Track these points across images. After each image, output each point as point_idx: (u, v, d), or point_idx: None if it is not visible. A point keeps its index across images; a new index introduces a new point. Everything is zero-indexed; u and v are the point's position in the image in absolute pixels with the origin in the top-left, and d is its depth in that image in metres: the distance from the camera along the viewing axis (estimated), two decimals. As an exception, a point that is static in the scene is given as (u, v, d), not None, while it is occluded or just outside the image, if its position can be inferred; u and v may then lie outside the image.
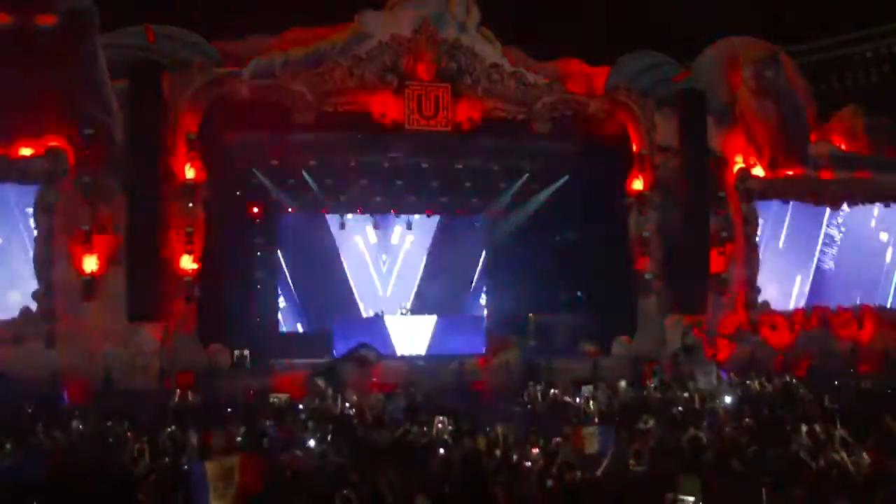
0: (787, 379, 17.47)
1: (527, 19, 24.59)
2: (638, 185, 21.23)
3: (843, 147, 23.67)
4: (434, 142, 21.00)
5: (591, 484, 8.94)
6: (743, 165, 21.99)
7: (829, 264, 23.73)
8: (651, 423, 11.90)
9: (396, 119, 20.08)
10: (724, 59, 22.64)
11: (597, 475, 9.21)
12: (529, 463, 9.73)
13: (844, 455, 9.63)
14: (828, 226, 23.67)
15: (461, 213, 27.35)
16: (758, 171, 22.03)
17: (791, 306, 22.73)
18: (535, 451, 10.06)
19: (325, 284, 26.33)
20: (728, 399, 14.85)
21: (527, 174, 24.45)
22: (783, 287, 22.61)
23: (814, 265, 23.49)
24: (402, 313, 25.21)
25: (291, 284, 26.32)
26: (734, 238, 21.73)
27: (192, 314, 18.90)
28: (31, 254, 18.12)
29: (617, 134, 21.48)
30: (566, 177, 24.32)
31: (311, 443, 10.58)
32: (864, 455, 9.57)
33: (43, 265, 17.76)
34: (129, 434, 11.58)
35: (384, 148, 21.96)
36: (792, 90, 22.82)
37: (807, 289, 23.39)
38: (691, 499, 7.91)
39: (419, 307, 25.90)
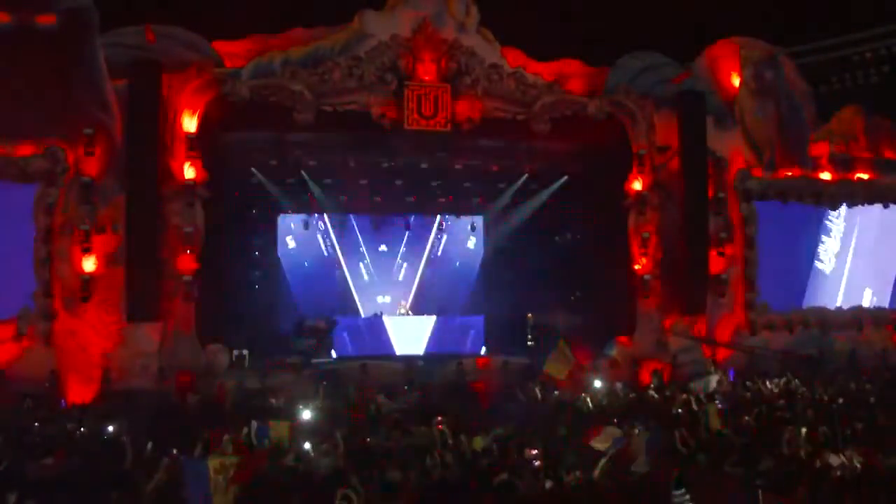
0: (786, 379, 17.51)
1: (526, 19, 24.56)
2: (637, 185, 21.22)
3: (842, 148, 23.64)
4: (433, 142, 21.00)
5: (591, 485, 8.95)
6: (742, 166, 21.99)
7: (829, 265, 23.72)
8: (650, 424, 11.91)
9: (396, 119, 20.05)
10: (723, 59, 22.64)
11: (596, 476, 9.22)
12: (530, 463, 9.74)
13: (843, 455, 9.65)
14: (827, 226, 23.67)
15: (461, 213, 27.38)
16: (757, 172, 22.03)
17: (790, 307, 22.70)
18: (534, 451, 10.06)
19: (325, 284, 26.36)
20: (726, 400, 14.88)
21: (526, 174, 24.47)
22: (782, 288, 22.60)
23: (813, 265, 23.49)
24: (401, 313, 25.23)
25: (290, 284, 26.33)
26: (733, 239, 21.74)
27: (191, 314, 18.88)
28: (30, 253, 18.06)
29: (616, 134, 21.46)
30: (565, 177, 24.34)
31: (307, 446, 10.58)
32: (863, 455, 9.59)
33: (42, 265, 17.75)
34: (128, 434, 11.58)
35: (383, 148, 21.95)
36: (791, 91, 22.81)
37: (806, 289, 23.40)
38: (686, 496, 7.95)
39: (418, 307, 25.92)
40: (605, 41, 23.00)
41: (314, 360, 21.01)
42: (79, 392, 17.33)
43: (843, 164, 23.18)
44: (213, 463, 8.86)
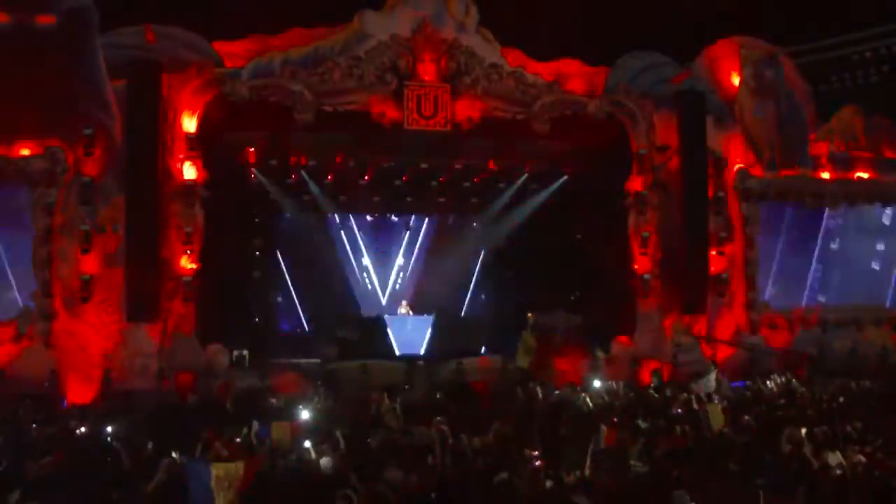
0: (787, 379, 17.51)
1: (526, 19, 24.55)
2: (637, 185, 21.22)
3: (842, 147, 23.62)
4: (433, 142, 20.98)
5: (590, 484, 8.95)
6: (742, 166, 21.98)
7: (829, 264, 23.73)
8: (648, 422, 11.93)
9: (395, 119, 20.05)
10: (723, 59, 22.65)
11: (588, 473, 9.24)
12: (530, 463, 9.74)
13: (843, 455, 9.65)
14: (827, 226, 23.65)
15: (461, 213, 27.36)
16: (757, 172, 22.01)
17: (790, 306, 22.68)
18: (535, 452, 10.06)
19: (325, 284, 26.34)
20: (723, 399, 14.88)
21: (526, 174, 24.47)
22: (782, 287, 22.62)
23: (813, 265, 23.47)
24: (402, 313, 25.23)
25: (291, 285, 26.32)
26: (733, 238, 21.73)
27: (191, 314, 18.87)
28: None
29: (616, 134, 21.47)
30: (565, 177, 24.33)
31: (307, 444, 10.59)
32: (863, 455, 9.58)
33: (41, 265, 17.73)
34: (126, 434, 11.60)
35: (383, 148, 21.95)
36: (791, 90, 22.82)
37: (806, 288, 23.38)
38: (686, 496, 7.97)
39: (419, 307, 25.90)
40: (605, 41, 22.98)
41: (314, 360, 21.01)
42: (79, 392, 17.33)
43: (842, 163, 23.18)
44: (216, 471, 8.88)
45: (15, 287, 17.93)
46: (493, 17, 21.14)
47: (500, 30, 21.17)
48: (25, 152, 17.82)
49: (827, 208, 23.23)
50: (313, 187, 23.98)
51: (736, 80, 22.33)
